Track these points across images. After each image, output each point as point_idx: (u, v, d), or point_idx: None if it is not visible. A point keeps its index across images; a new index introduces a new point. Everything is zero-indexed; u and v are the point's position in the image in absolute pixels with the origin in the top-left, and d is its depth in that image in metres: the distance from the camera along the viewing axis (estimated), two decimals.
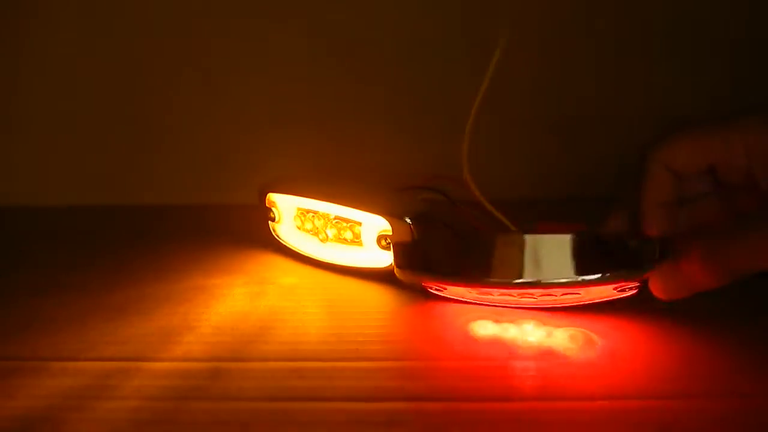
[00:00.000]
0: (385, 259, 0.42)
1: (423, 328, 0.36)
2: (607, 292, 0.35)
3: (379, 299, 0.41)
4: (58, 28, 0.59)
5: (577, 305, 0.36)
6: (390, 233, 0.41)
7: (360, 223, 0.44)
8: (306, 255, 0.47)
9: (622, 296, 0.36)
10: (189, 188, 0.62)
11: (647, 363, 0.32)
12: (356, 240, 0.45)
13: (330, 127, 0.60)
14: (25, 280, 0.46)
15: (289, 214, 0.49)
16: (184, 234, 0.55)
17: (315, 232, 0.47)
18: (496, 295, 0.36)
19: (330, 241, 0.46)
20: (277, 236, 0.50)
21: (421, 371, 0.33)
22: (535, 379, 0.31)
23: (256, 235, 0.51)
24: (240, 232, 0.53)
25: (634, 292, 0.36)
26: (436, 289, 0.38)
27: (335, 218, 0.45)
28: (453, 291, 0.37)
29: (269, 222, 0.50)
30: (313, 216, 0.47)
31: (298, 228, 0.49)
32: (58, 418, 0.29)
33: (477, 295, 0.37)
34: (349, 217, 0.44)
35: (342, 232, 0.45)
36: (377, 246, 0.43)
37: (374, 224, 0.43)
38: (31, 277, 0.47)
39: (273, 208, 0.49)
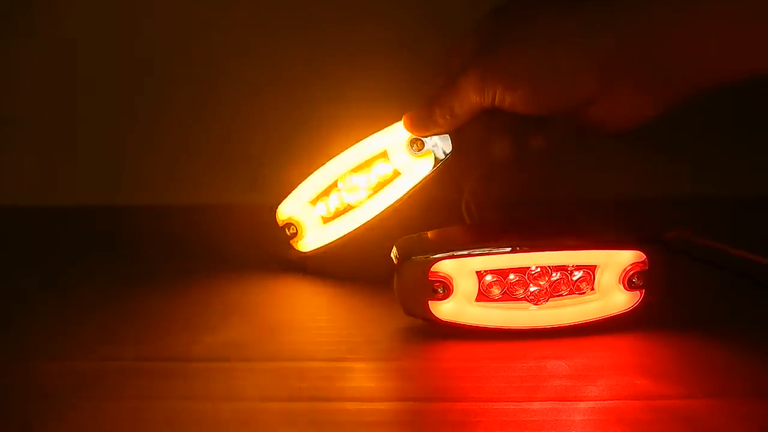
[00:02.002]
0: (424, 165, 0.42)
1: (422, 329, 0.36)
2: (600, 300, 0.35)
3: (378, 299, 0.41)
4: (59, 26, 0.59)
5: (575, 325, 0.35)
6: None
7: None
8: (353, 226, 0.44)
9: (616, 314, 0.36)
10: (213, 188, 0.61)
11: (646, 364, 0.33)
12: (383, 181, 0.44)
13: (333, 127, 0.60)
14: (24, 281, 0.46)
15: (312, 215, 0.45)
16: (189, 235, 0.55)
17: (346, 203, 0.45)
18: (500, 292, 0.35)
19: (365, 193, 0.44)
20: (304, 249, 0.46)
21: (421, 371, 0.33)
22: (533, 380, 0.31)
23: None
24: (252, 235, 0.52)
25: (629, 309, 0.35)
26: (441, 292, 0.35)
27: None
28: (457, 306, 0.35)
29: (291, 241, 0.46)
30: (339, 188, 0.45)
31: (328, 215, 0.45)
32: (55, 418, 0.29)
33: (480, 309, 0.35)
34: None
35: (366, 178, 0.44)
36: (408, 150, 0.42)
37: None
38: (30, 278, 0.47)
39: (291, 224, 0.45)
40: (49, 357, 0.34)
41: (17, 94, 0.62)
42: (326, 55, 0.59)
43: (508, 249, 0.34)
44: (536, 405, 0.29)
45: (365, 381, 0.31)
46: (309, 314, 0.40)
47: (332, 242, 0.45)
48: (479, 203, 0.45)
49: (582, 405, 0.29)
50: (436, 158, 0.42)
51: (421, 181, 0.43)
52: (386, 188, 0.44)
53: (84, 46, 0.60)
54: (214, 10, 0.59)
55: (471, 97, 0.37)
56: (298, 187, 0.45)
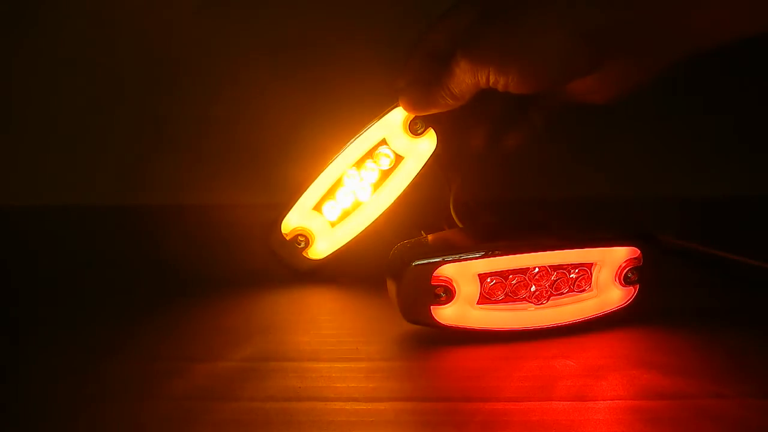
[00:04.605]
0: (427, 145, 0.42)
1: (422, 329, 0.36)
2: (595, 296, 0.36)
3: (378, 300, 0.41)
4: (59, 26, 0.59)
5: (574, 323, 0.36)
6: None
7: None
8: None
9: (612, 309, 0.36)
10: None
11: (652, 360, 0.33)
12: (387, 170, 0.43)
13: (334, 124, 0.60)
14: (23, 281, 0.46)
15: (319, 220, 0.44)
16: (191, 236, 0.55)
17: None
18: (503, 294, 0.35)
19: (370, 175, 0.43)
20: (317, 256, 0.44)
21: (421, 371, 0.33)
22: (535, 380, 0.31)
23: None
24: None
25: (625, 304, 0.36)
26: (443, 296, 0.34)
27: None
28: (459, 309, 0.35)
29: (302, 251, 0.44)
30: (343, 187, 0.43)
31: (336, 217, 0.44)
32: (52, 417, 0.29)
33: (482, 312, 0.35)
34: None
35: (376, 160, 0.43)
36: (407, 133, 0.42)
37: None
38: (31, 279, 0.47)
39: (299, 235, 0.43)
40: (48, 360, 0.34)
41: (18, 93, 0.61)
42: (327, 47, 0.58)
43: (509, 250, 0.34)
44: (555, 404, 0.29)
45: (365, 381, 0.31)
46: (309, 315, 0.40)
47: (346, 243, 0.44)
48: (468, 203, 0.45)
49: (601, 404, 0.29)
50: (437, 136, 0.41)
51: (426, 163, 0.42)
52: (392, 176, 0.43)
53: (87, 47, 0.60)
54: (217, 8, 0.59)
55: (466, 79, 0.36)
56: (300, 195, 0.43)
